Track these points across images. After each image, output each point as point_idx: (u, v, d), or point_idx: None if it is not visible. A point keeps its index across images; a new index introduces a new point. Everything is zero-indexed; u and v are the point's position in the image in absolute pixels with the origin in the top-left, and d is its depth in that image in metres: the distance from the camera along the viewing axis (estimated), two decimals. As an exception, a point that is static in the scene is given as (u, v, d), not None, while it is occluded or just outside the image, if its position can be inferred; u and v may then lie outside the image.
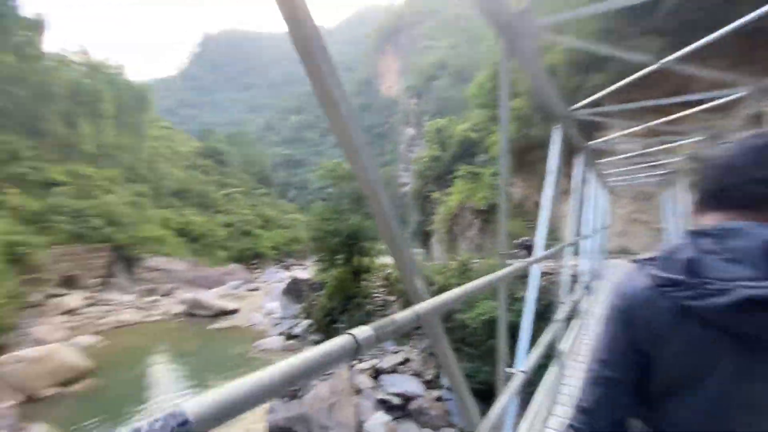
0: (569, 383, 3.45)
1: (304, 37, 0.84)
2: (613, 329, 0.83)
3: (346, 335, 0.72)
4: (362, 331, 0.77)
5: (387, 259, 16.24)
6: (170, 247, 34.38)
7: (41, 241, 25.01)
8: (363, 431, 8.31)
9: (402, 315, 0.96)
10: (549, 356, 2.91)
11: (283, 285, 21.48)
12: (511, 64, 2.30)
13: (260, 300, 24.29)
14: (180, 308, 21.85)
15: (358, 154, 1.00)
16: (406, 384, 10.00)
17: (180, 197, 50.40)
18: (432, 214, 33.47)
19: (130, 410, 11.43)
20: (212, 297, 23.84)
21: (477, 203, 21.15)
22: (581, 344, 4.51)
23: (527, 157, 18.37)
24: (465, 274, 11.84)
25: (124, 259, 30.28)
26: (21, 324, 15.41)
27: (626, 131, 5.91)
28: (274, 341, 16.11)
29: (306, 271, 26.11)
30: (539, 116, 17.12)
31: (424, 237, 39.11)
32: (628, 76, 3.70)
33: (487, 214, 20.26)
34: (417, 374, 10.72)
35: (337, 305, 13.89)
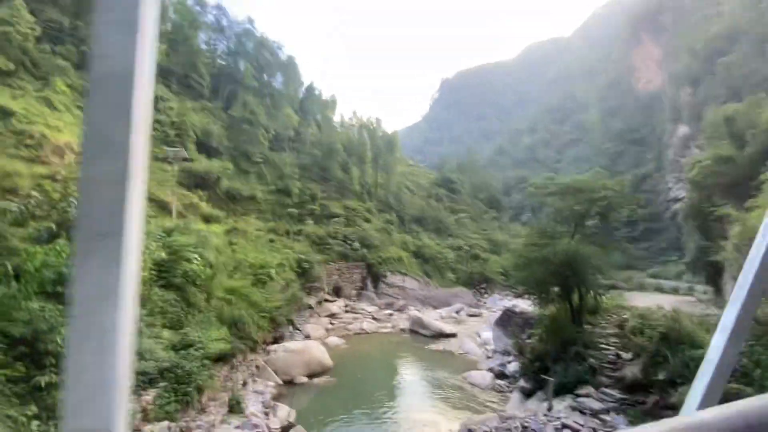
0: None
1: None
2: None
3: None
4: None
5: (635, 299, 12.22)
6: (407, 266, 38.88)
7: (321, 259, 33.44)
8: None
9: None
10: None
11: (496, 315, 19.96)
12: None
13: (478, 327, 23.44)
14: (406, 324, 23.88)
15: None
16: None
17: (419, 223, 56.88)
18: (720, 238, 23.48)
19: (355, 407, 12.98)
20: (434, 318, 24.86)
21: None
22: None
23: None
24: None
25: (373, 275, 36.35)
26: (298, 321, 20.80)
27: None
28: (483, 376, 14.85)
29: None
30: None
31: (710, 271, 28.01)
32: None
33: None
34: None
35: (550, 349, 11.33)
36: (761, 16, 56.54)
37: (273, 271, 19.68)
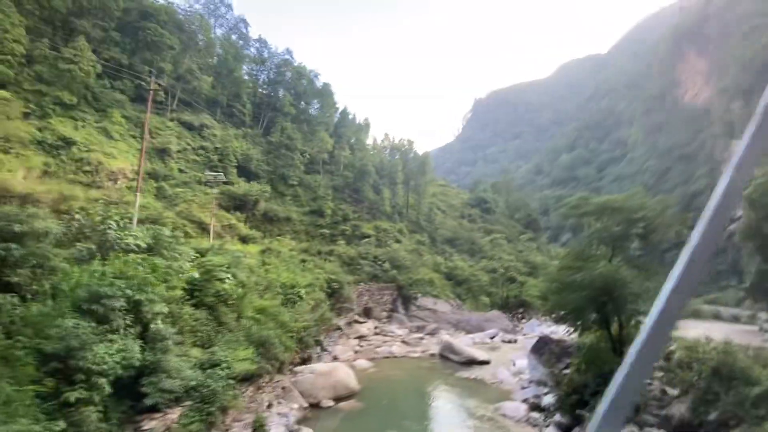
0: None
1: None
2: None
3: None
4: None
5: (688, 328, 11.18)
6: (439, 288, 38.07)
7: (351, 279, 33.51)
8: None
9: None
10: None
11: (533, 342, 18.85)
12: None
13: (514, 354, 22.28)
14: (436, 349, 23.15)
15: None
16: None
17: (451, 244, 55.94)
18: (785, 262, 21.21)
19: None
20: (465, 344, 23.98)
21: None
22: None
23: None
24: None
25: (403, 296, 35.87)
26: (327, 342, 20.75)
27: None
28: (517, 408, 13.97)
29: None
30: None
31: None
32: None
33: None
34: None
35: (589, 381, 10.45)
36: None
37: (303, 291, 19.91)
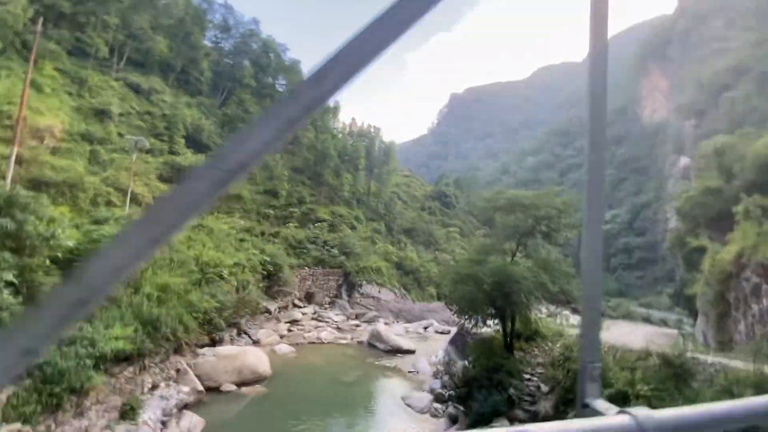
0: None
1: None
2: None
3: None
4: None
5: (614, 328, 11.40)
6: (386, 277, 37.97)
7: (295, 263, 32.73)
8: None
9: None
10: None
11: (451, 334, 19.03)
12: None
13: (441, 344, 22.46)
14: (366, 337, 22.96)
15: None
16: None
17: (408, 234, 56.08)
18: (699, 271, 22.57)
19: (276, 421, 12.13)
20: (397, 333, 23.97)
21: (771, 259, 12.22)
22: None
23: None
24: (685, 381, 6.32)
25: (349, 283, 35.50)
26: (249, 325, 19.98)
27: None
28: (422, 399, 13.95)
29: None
30: None
31: (689, 303, 27.21)
32: None
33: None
34: None
35: (478, 376, 10.47)
36: (767, 54, 56.16)
37: (226, 271, 19.01)
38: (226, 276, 18.68)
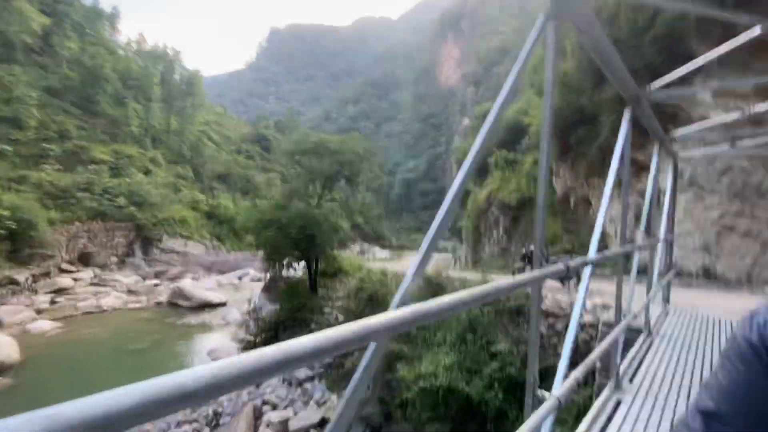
0: (630, 417, 2.71)
1: None
2: (745, 374, 0.51)
3: None
4: None
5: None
6: (193, 229, 33.92)
7: (58, 217, 25.21)
8: None
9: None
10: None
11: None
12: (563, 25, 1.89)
13: (256, 293, 22.02)
14: (165, 297, 20.28)
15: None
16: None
17: (222, 180, 50.90)
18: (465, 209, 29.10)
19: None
20: (207, 287, 22.07)
21: (506, 197, 16.58)
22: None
23: (574, 137, 13.52)
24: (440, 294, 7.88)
25: (143, 239, 30.09)
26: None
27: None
28: (229, 350, 13.43)
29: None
30: (590, 83, 12.41)
31: (459, 234, 35.00)
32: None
33: (516, 211, 15.67)
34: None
35: (284, 317, 10.75)
36: (523, 39, 72.63)
37: None
38: None
